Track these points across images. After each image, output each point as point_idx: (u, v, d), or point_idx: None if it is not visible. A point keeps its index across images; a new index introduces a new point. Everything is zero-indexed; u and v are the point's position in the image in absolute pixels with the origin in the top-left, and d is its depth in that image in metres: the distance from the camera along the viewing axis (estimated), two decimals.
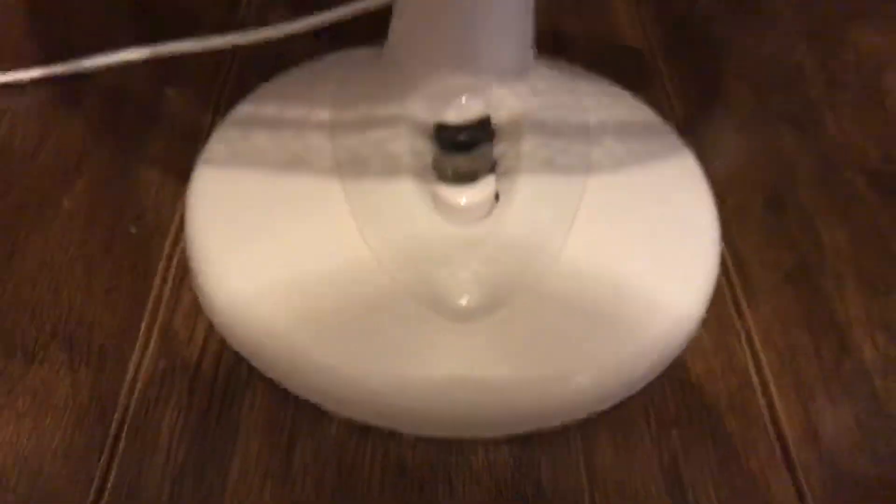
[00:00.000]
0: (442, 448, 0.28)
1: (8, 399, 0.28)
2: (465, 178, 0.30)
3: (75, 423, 0.28)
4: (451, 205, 0.29)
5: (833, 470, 0.28)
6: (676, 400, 0.30)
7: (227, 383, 0.29)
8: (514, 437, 0.29)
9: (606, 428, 0.29)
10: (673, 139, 0.37)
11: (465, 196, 0.30)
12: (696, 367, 0.31)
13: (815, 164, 0.39)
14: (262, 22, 0.44)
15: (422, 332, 0.28)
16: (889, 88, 0.43)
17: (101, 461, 0.27)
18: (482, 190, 0.30)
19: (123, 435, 0.28)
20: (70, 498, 0.26)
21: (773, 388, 0.30)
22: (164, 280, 0.32)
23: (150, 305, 0.31)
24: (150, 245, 0.33)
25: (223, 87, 0.40)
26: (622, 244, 0.31)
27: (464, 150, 0.31)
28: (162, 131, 0.38)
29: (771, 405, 0.30)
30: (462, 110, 0.32)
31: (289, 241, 0.30)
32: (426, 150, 0.31)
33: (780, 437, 0.29)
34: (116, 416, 0.28)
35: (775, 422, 0.29)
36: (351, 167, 0.31)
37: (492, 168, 0.31)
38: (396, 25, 0.33)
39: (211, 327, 0.31)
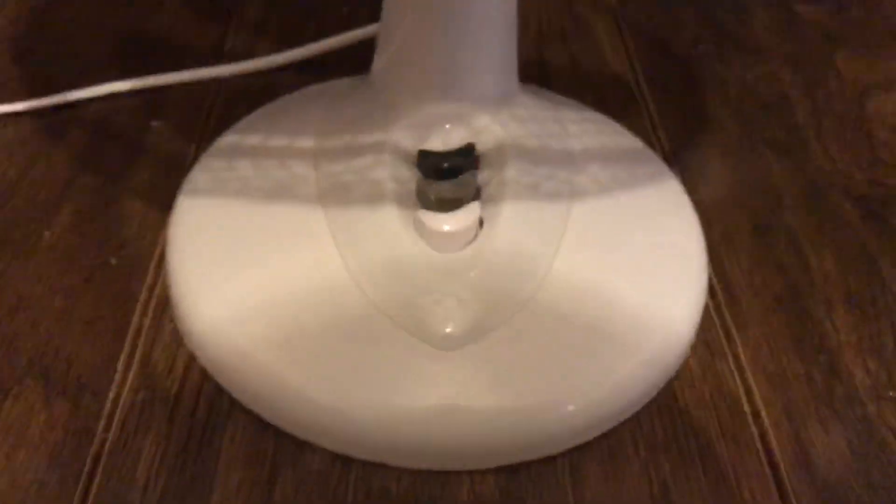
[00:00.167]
0: (427, 480, 0.28)
1: None
2: (450, 205, 0.30)
3: (50, 458, 0.27)
4: (436, 231, 0.29)
5: (827, 498, 0.28)
6: (665, 427, 0.29)
7: (208, 415, 0.29)
8: (500, 467, 0.28)
9: (594, 456, 0.28)
10: (658, 165, 0.37)
11: (449, 223, 0.29)
12: (685, 394, 0.30)
13: (802, 189, 0.39)
14: (249, 54, 0.44)
15: (406, 361, 0.28)
16: (873, 114, 0.43)
17: (76, 498, 0.26)
18: (466, 216, 0.30)
19: (99, 470, 0.27)
20: None
21: (764, 414, 0.30)
22: (145, 311, 0.32)
23: (129, 337, 0.31)
24: (131, 277, 0.33)
25: (208, 118, 0.40)
26: (609, 271, 0.31)
27: (448, 177, 0.31)
28: (146, 163, 0.38)
29: (762, 431, 0.29)
30: (446, 138, 0.32)
31: (270, 271, 0.30)
32: (410, 177, 0.31)
33: (772, 464, 0.29)
34: (93, 450, 0.28)
35: (767, 448, 0.29)
36: (334, 195, 0.31)
37: (476, 195, 0.31)
38: (380, 55, 0.33)
39: (192, 358, 0.30)
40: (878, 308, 0.34)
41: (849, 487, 0.28)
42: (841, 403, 0.30)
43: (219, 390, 0.29)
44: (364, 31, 0.43)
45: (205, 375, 0.30)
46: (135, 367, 0.30)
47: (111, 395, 0.29)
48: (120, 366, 0.30)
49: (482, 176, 0.31)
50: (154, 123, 0.40)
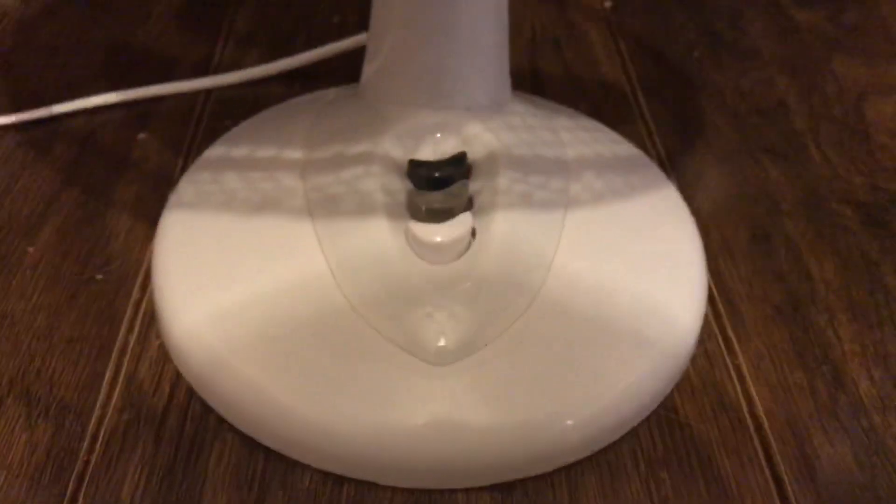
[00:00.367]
0: (421, 498, 0.27)
1: None
2: (441, 215, 0.29)
3: (32, 480, 0.26)
4: (427, 243, 0.28)
5: None
6: (665, 441, 0.28)
7: (195, 435, 0.28)
8: (495, 484, 0.27)
9: (593, 472, 0.28)
10: (655, 172, 0.37)
11: (440, 233, 0.29)
12: (685, 406, 0.30)
13: (801, 195, 0.38)
14: (237, 65, 0.43)
15: (398, 376, 0.27)
16: (872, 119, 0.43)
17: None
18: (458, 227, 0.29)
19: (82, 493, 0.26)
20: None
21: (766, 426, 0.29)
22: (131, 328, 0.31)
23: (114, 355, 0.30)
24: (116, 293, 0.32)
25: (196, 131, 0.40)
26: (605, 281, 0.30)
27: (439, 187, 0.30)
28: (133, 177, 0.37)
29: (765, 444, 0.29)
30: (436, 147, 0.32)
31: (258, 285, 0.29)
32: (400, 188, 0.31)
33: (776, 477, 0.28)
34: (76, 472, 0.27)
35: (770, 461, 0.28)
36: (323, 207, 0.30)
37: (468, 205, 0.30)
38: (369, 64, 0.33)
39: (178, 377, 0.29)
40: (882, 316, 0.33)
41: (855, 500, 0.27)
42: (845, 414, 0.30)
43: (206, 409, 0.29)
44: (353, 40, 0.42)
45: (192, 394, 0.29)
46: (120, 386, 0.29)
47: (95, 415, 0.28)
48: (104, 385, 0.29)
49: (474, 185, 0.31)
50: (141, 136, 0.39)
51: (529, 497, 0.27)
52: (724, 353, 0.31)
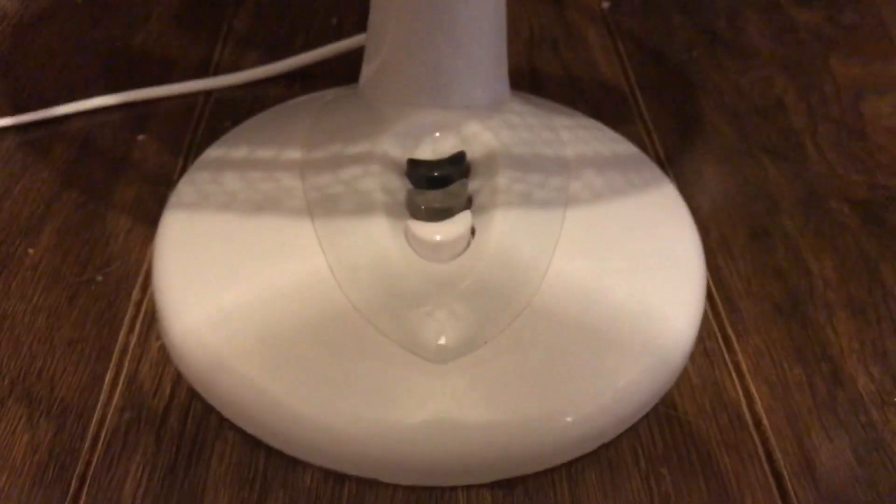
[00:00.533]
0: (422, 495, 0.27)
1: None
2: (440, 214, 0.29)
3: (33, 481, 0.26)
4: (426, 241, 0.29)
5: None
6: (665, 438, 0.29)
7: (196, 434, 0.28)
8: (496, 481, 0.27)
9: (593, 469, 0.28)
10: (654, 171, 0.37)
11: (440, 232, 0.29)
12: (685, 403, 0.30)
13: (799, 194, 0.38)
14: (236, 66, 0.44)
15: (399, 374, 0.27)
16: (870, 117, 0.43)
17: None
18: (457, 226, 0.29)
19: (84, 493, 0.26)
20: None
21: (766, 423, 0.29)
22: (131, 329, 0.31)
23: (115, 356, 0.30)
24: (117, 294, 0.32)
25: (195, 132, 0.40)
26: (605, 279, 0.30)
27: (438, 186, 0.30)
28: (133, 178, 0.37)
29: (765, 441, 0.29)
30: (435, 146, 0.32)
31: (258, 285, 0.29)
32: (400, 187, 0.31)
33: (776, 473, 0.28)
34: (78, 472, 0.27)
35: (770, 458, 0.28)
36: (322, 206, 0.30)
37: (467, 204, 0.30)
38: (368, 64, 0.33)
39: (179, 377, 0.30)
40: (880, 313, 0.33)
41: (854, 496, 0.27)
42: (844, 410, 0.30)
43: (207, 408, 0.29)
44: (352, 41, 0.42)
45: (192, 393, 0.29)
46: (120, 386, 0.29)
47: (96, 415, 0.28)
48: (105, 385, 0.29)
49: (473, 184, 0.31)
50: (140, 138, 0.39)
51: (530, 494, 0.27)
52: (724, 350, 0.32)
